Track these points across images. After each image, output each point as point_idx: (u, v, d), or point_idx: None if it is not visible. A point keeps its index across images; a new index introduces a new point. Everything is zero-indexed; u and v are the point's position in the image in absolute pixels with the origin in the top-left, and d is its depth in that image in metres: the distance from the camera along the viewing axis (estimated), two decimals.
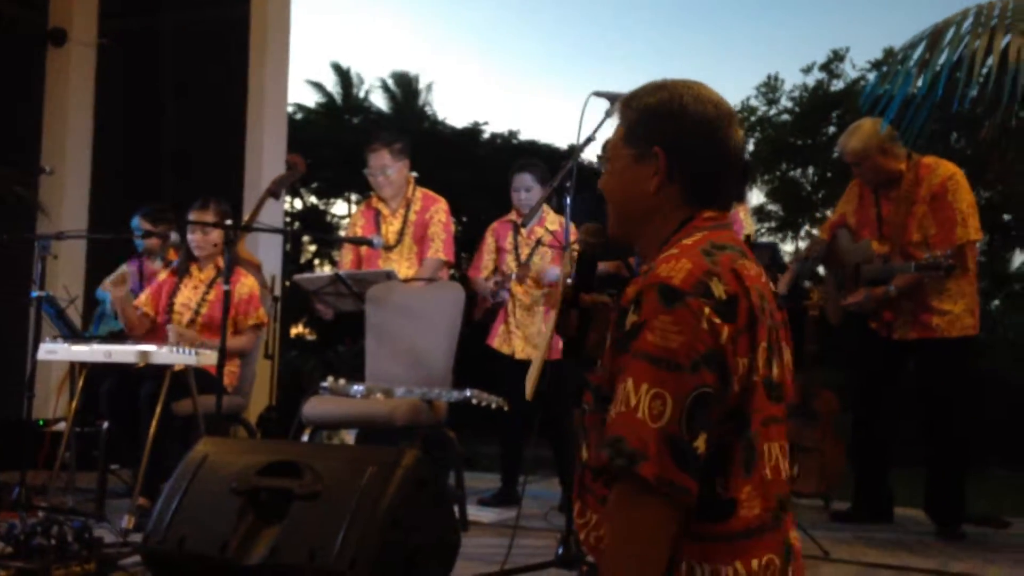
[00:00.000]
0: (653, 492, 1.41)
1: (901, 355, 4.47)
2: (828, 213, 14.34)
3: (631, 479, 1.42)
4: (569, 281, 1.88)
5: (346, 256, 5.11)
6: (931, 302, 4.31)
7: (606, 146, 1.69)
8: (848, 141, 4.47)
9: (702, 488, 1.45)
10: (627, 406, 1.44)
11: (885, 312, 4.42)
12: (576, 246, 1.78)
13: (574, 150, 3.42)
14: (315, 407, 3.96)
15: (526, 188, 5.01)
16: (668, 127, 1.63)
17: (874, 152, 4.38)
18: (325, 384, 3.92)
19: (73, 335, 4.96)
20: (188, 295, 4.64)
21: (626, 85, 3.12)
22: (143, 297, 4.73)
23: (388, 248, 4.88)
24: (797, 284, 4.71)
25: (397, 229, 4.92)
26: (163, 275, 4.80)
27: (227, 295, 3.76)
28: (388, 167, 4.85)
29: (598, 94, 3.43)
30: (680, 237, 1.60)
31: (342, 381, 3.93)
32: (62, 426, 4.89)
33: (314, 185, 17.71)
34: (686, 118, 1.62)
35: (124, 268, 5.23)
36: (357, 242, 4.85)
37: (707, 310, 1.46)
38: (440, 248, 4.86)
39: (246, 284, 4.59)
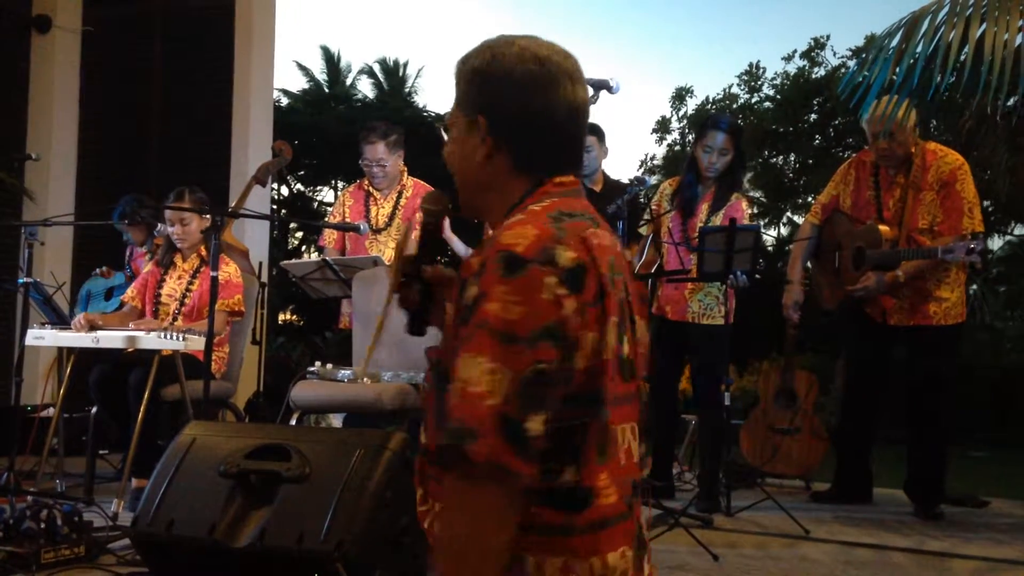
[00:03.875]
0: (485, 477, 1.28)
1: (893, 341, 4.52)
2: (810, 199, 14.42)
3: (463, 463, 1.28)
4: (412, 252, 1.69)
5: (330, 235, 5.14)
6: (932, 290, 4.35)
7: (449, 113, 1.55)
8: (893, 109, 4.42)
9: (553, 475, 1.35)
10: (463, 382, 1.30)
11: (884, 298, 4.44)
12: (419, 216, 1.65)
13: None
14: (303, 391, 3.99)
15: None
16: (488, 91, 1.50)
17: (909, 127, 4.34)
18: (313, 369, 3.96)
19: (60, 321, 4.98)
20: (173, 286, 4.65)
21: (609, 72, 3.17)
22: (131, 291, 4.74)
23: (377, 231, 4.92)
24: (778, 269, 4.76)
25: (387, 212, 4.97)
26: (148, 267, 4.81)
27: (214, 281, 3.79)
28: (384, 160, 4.91)
29: None
30: (529, 203, 1.48)
31: (330, 366, 3.97)
32: (50, 412, 4.91)
33: (300, 172, 17.67)
34: (504, 80, 1.49)
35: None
36: (344, 228, 4.88)
37: (551, 280, 1.32)
38: None
39: (225, 271, 4.60)
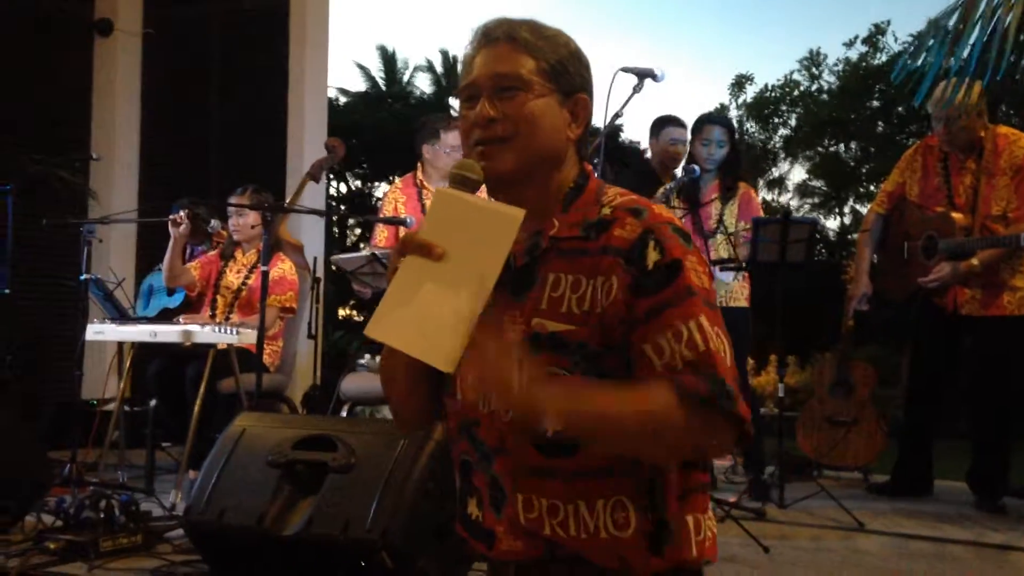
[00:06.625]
0: (733, 421, 1.36)
1: (962, 331, 4.40)
2: (873, 188, 14.06)
3: (725, 416, 1.35)
4: None
5: (381, 233, 5.16)
6: (1007, 279, 4.23)
7: (491, 74, 1.48)
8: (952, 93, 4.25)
9: None
10: (712, 344, 1.36)
11: (957, 288, 4.30)
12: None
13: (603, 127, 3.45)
14: (352, 384, 4.04)
15: None
16: (588, 76, 1.55)
17: (972, 109, 4.22)
18: (363, 361, 4.00)
19: (121, 316, 5.10)
20: (231, 278, 4.78)
21: (653, 60, 3.15)
22: (194, 270, 4.88)
23: None
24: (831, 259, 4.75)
25: None
26: (212, 253, 4.96)
27: (265, 275, 3.85)
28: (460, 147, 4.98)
29: (625, 70, 3.46)
30: (598, 187, 1.52)
31: (379, 358, 4.00)
32: (113, 406, 5.03)
33: (357, 169, 17.86)
34: (591, 72, 1.57)
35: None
36: (391, 222, 4.90)
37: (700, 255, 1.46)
38: None
39: (280, 268, 4.70)
